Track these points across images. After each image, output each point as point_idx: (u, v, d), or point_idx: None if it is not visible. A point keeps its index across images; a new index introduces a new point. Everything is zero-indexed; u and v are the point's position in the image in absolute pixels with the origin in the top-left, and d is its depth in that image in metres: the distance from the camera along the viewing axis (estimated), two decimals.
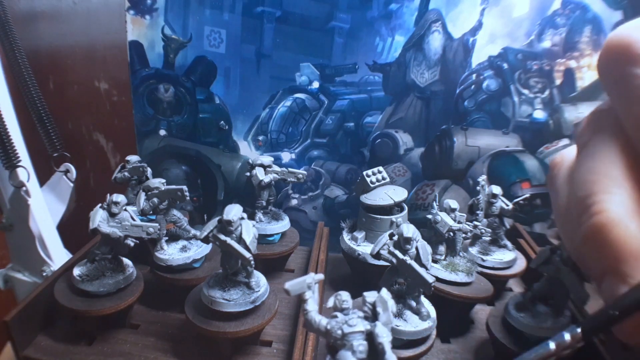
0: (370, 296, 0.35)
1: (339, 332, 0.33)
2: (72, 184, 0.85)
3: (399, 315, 0.48)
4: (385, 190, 0.64)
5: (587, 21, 0.75)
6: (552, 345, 0.26)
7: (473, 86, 0.80)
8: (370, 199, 0.64)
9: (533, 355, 0.26)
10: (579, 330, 0.25)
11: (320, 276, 0.36)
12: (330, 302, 0.35)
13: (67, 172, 0.84)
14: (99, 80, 0.96)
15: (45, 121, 0.81)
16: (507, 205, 0.62)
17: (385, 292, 0.35)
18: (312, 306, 0.35)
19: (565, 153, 0.30)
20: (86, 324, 0.52)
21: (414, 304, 0.49)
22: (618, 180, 0.23)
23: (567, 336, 0.25)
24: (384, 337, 0.32)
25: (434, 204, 0.60)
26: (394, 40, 0.79)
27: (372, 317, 0.34)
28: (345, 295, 0.35)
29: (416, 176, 0.86)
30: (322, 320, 0.34)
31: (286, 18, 0.79)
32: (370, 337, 0.33)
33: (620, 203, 0.22)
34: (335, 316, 0.34)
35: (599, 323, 0.24)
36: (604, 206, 0.22)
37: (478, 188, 0.63)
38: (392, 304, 0.35)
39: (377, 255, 0.49)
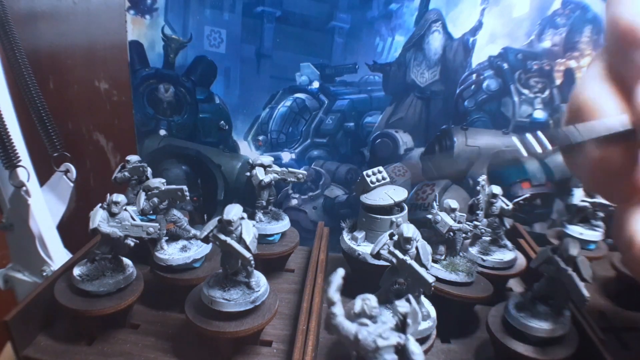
0: (402, 306, 0.33)
1: (373, 344, 0.31)
2: (72, 184, 0.85)
3: None
4: (386, 190, 0.64)
5: (587, 21, 0.75)
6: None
7: (473, 86, 0.80)
8: (370, 199, 0.64)
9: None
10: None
11: (341, 271, 0.34)
12: (358, 307, 0.33)
13: (67, 172, 0.84)
14: (99, 80, 0.96)
15: (45, 121, 0.81)
16: (507, 205, 0.62)
17: (414, 303, 0.34)
18: (340, 310, 0.33)
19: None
20: (86, 323, 0.52)
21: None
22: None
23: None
24: (417, 354, 0.31)
25: (434, 204, 0.60)
26: (394, 40, 0.79)
27: (401, 327, 0.33)
28: (374, 300, 0.33)
29: (416, 176, 0.86)
30: (351, 328, 0.32)
31: (286, 18, 0.79)
32: (399, 350, 0.31)
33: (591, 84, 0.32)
34: (365, 324, 0.32)
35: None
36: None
37: (478, 188, 0.63)
38: (420, 316, 0.34)
39: (377, 255, 0.49)
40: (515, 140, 0.33)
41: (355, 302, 0.33)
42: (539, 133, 0.32)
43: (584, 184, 0.30)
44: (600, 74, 0.31)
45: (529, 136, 0.33)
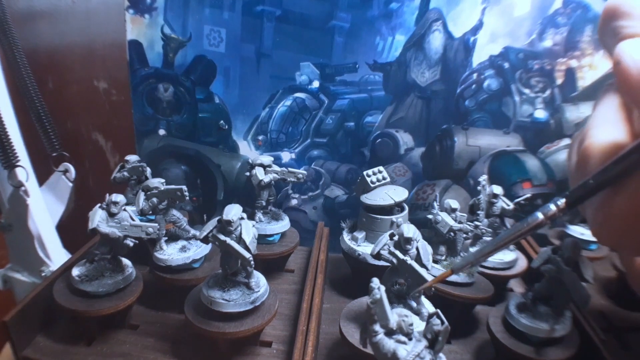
0: (436, 325, 0.34)
1: None
2: (71, 184, 0.84)
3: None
4: (386, 190, 0.64)
5: (588, 20, 0.75)
6: (540, 215, 0.29)
7: (474, 85, 0.80)
8: (370, 199, 0.64)
9: (525, 225, 0.30)
10: (563, 200, 0.29)
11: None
12: (393, 323, 0.33)
13: (66, 171, 0.84)
14: (98, 79, 0.96)
15: (44, 121, 0.81)
16: (508, 205, 0.62)
17: (446, 322, 0.34)
18: (379, 327, 0.33)
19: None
20: (85, 324, 0.52)
21: (414, 304, 0.49)
22: (608, 120, 0.29)
23: (552, 207, 0.29)
24: None
25: (435, 204, 0.59)
26: (394, 39, 0.79)
27: (431, 344, 0.33)
28: (411, 317, 0.33)
29: (417, 176, 0.86)
30: (390, 346, 0.32)
31: (286, 17, 0.79)
32: None
33: (606, 132, 0.28)
34: (402, 342, 0.32)
35: (580, 193, 0.28)
36: (593, 132, 0.29)
37: (479, 188, 0.63)
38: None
39: (378, 256, 0.49)
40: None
41: (389, 318, 0.32)
42: None
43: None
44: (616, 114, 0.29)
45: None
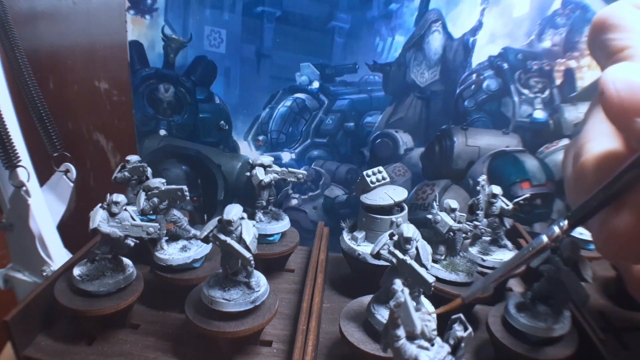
0: (459, 331, 0.34)
1: None
2: (72, 184, 0.85)
3: None
4: (386, 190, 0.64)
5: (587, 21, 0.75)
6: (544, 238, 0.30)
7: (473, 86, 0.80)
8: (370, 198, 0.64)
9: (530, 249, 0.31)
10: (566, 222, 0.29)
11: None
12: (419, 328, 0.31)
13: (67, 171, 0.84)
14: (99, 80, 0.96)
15: (45, 121, 0.81)
16: (507, 205, 0.62)
17: (470, 328, 0.34)
18: (403, 332, 0.32)
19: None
20: (86, 323, 0.52)
21: (414, 303, 0.49)
22: (603, 133, 0.29)
23: (556, 229, 0.30)
24: None
25: (434, 204, 0.60)
26: (394, 40, 0.79)
27: (453, 349, 0.33)
28: (433, 321, 0.32)
29: (416, 176, 0.86)
30: (412, 351, 0.31)
31: (286, 18, 0.79)
32: None
33: (601, 145, 0.28)
34: (425, 347, 0.31)
35: (582, 213, 0.28)
36: (589, 147, 0.29)
37: (478, 188, 0.63)
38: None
39: (377, 255, 0.49)
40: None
41: (415, 323, 0.31)
42: None
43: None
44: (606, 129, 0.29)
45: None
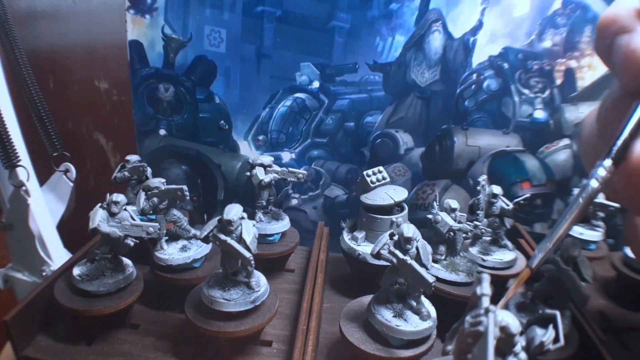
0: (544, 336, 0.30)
1: None
2: (72, 184, 0.85)
3: (399, 315, 0.48)
4: (386, 190, 0.64)
5: (587, 21, 0.75)
6: (594, 183, 0.28)
7: (473, 86, 0.80)
8: (370, 198, 0.64)
9: (583, 196, 0.28)
10: (608, 160, 0.28)
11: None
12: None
13: (67, 171, 0.84)
14: (99, 79, 0.96)
15: (45, 120, 0.81)
16: (508, 205, 0.62)
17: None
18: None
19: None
20: (86, 323, 0.52)
21: (414, 303, 0.49)
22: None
23: (601, 171, 0.28)
24: None
25: (434, 203, 0.60)
26: (394, 39, 0.79)
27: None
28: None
29: (416, 176, 0.86)
30: None
31: (286, 17, 0.79)
32: None
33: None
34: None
35: (622, 148, 0.27)
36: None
37: (478, 188, 0.63)
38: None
39: (378, 255, 0.49)
40: None
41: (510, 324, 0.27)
42: None
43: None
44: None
45: None
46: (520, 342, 0.29)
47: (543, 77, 0.79)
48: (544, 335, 0.31)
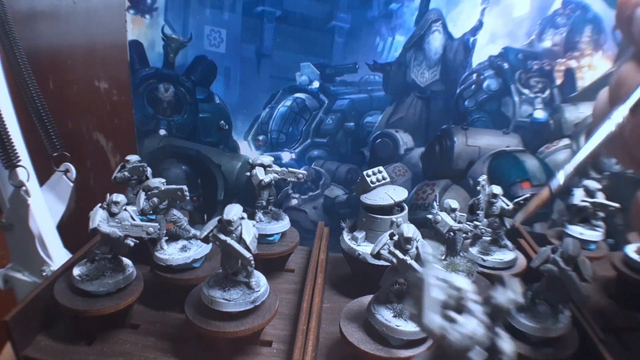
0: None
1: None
2: (72, 184, 0.85)
3: (399, 315, 0.48)
4: (386, 190, 0.64)
5: (587, 21, 0.75)
6: (612, 126, 0.29)
7: (473, 86, 0.80)
8: (370, 198, 0.64)
9: (603, 138, 0.29)
10: (624, 108, 0.28)
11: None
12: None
13: (67, 171, 0.84)
14: (99, 79, 0.96)
15: (45, 121, 0.81)
16: (508, 205, 0.62)
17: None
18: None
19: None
20: (86, 323, 0.52)
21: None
22: None
23: (615, 115, 0.29)
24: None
25: (435, 204, 0.60)
26: (394, 40, 0.79)
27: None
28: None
29: (416, 176, 0.86)
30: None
31: (286, 18, 0.79)
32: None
33: None
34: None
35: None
36: None
37: (478, 188, 0.63)
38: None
39: (378, 255, 0.49)
40: None
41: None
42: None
43: None
44: None
45: None
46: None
47: (543, 77, 0.79)
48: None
